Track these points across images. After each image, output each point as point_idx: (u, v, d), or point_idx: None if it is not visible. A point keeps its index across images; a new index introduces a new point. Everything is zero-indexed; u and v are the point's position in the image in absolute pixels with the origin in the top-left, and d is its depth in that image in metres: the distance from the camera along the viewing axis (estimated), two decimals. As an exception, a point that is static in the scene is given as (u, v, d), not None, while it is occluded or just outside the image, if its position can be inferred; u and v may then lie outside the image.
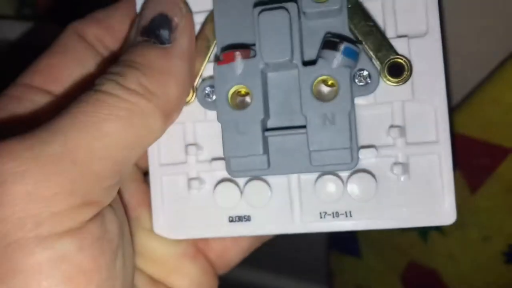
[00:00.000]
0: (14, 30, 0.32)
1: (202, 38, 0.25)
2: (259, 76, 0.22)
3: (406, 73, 0.23)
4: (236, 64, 0.22)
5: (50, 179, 0.19)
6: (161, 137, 0.25)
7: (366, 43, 0.23)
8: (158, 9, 0.24)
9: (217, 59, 0.24)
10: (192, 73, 0.24)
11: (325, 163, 0.22)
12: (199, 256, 0.26)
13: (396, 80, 0.23)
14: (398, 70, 0.23)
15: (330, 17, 0.23)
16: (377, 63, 0.23)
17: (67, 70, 0.24)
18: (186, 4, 0.24)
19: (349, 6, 0.23)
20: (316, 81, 0.22)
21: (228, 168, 0.24)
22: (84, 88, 0.24)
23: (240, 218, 0.25)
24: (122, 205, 0.25)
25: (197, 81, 0.25)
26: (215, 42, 0.24)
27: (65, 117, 0.20)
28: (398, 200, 0.23)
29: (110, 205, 0.22)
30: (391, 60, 0.23)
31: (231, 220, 0.25)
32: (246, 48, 0.22)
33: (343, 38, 0.22)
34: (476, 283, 0.35)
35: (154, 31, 0.23)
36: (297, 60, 0.22)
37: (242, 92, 0.23)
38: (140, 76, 0.21)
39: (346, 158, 0.22)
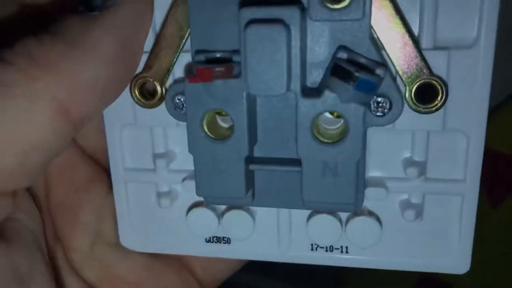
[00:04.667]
0: None
1: (171, 24, 0.18)
2: (243, 102, 0.17)
3: (439, 100, 0.17)
4: (214, 85, 0.17)
5: None
6: (123, 139, 0.20)
7: (392, 55, 0.17)
8: None
9: (189, 72, 0.18)
10: (128, 57, 0.18)
11: (321, 207, 0.18)
12: (183, 270, 0.23)
13: (425, 107, 0.17)
14: (429, 95, 0.17)
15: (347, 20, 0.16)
16: (402, 82, 0.17)
17: None
18: None
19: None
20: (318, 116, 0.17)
21: (204, 197, 0.19)
22: None
23: (218, 239, 0.21)
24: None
25: (166, 78, 0.19)
26: (189, 31, 0.18)
27: None
28: (404, 243, 0.20)
29: (3, 238, 0.17)
30: (421, 82, 0.17)
31: (208, 240, 0.21)
32: (225, 60, 0.17)
33: (358, 63, 0.16)
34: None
35: None
36: (295, 88, 0.16)
37: (223, 113, 0.18)
38: (34, 45, 0.16)
39: (349, 206, 0.18)
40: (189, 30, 0.18)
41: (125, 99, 0.19)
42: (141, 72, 0.19)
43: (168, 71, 0.19)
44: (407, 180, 0.19)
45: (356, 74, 0.15)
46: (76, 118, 0.16)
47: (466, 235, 0.19)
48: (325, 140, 0.17)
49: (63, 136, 0.16)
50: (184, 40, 0.18)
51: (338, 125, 0.18)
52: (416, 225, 0.19)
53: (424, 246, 0.19)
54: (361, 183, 0.18)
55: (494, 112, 0.25)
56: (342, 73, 0.16)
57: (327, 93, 0.16)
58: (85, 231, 0.21)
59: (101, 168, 0.22)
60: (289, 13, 0.15)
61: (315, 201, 0.17)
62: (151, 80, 0.19)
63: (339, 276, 0.47)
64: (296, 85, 0.16)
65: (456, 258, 0.19)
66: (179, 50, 0.19)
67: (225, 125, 0.18)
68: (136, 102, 0.19)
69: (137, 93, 0.19)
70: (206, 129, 0.17)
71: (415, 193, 0.19)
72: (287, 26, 0.15)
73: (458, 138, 0.18)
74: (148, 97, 0.19)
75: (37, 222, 0.19)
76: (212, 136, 0.17)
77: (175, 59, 0.19)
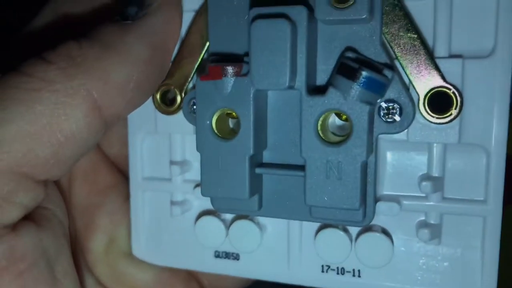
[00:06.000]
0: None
1: (195, 33, 0.19)
2: (250, 100, 0.17)
3: (453, 109, 0.17)
4: (223, 82, 0.17)
5: None
6: (144, 148, 0.21)
7: (403, 62, 0.17)
8: None
9: (202, 71, 0.18)
10: (158, 62, 0.19)
11: (328, 218, 0.18)
12: (192, 281, 0.22)
13: (439, 116, 0.17)
14: (444, 104, 0.17)
15: (358, 23, 0.17)
16: (415, 91, 0.17)
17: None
18: None
19: (387, 7, 0.17)
20: (322, 116, 0.16)
21: (211, 202, 0.19)
22: None
23: (227, 255, 0.21)
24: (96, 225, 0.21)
25: (187, 86, 0.20)
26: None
27: None
28: (421, 269, 0.18)
29: (34, 222, 0.18)
30: (435, 90, 0.17)
31: (217, 255, 0.21)
32: (237, 61, 0.17)
33: (365, 62, 0.16)
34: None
35: (122, 8, 0.19)
36: (300, 85, 0.16)
37: (234, 114, 0.18)
38: (73, 47, 0.17)
39: (356, 216, 0.17)
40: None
41: (148, 107, 0.20)
42: (163, 79, 0.20)
43: (189, 78, 0.20)
44: (423, 199, 0.18)
45: (361, 71, 0.15)
46: (107, 115, 0.17)
47: (490, 264, 0.17)
48: (330, 141, 0.16)
49: (95, 131, 0.17)
50: (205, 49, 0.19)
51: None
52: (434, 248, 0.18)
53: (443, 274, 0.18)
54: (370, 192, 0.17)
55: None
56: (347, 71, 0.16)
57: (331, 90, 0.16)
58: (99, 234, 0.21)
59: (122, 176, 0.22)
60: (296, 11, 0.16)
61: (318, 206, 0.17)
62: (173, 87, 0.20)
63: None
64: (301, 83, 0.16)
65: (478, 290, 0.18)
66: (199, 59, 0.19)
67: (235, 128, 0.19)
68: (157, 108, 0.20)
69: (158, 99, 0.20)
70: (214, 128, 0.18)
71: (431, 213, 0.18)
72: (292, 23, 0.16)
73: (477, 154, 0.17)
74: (168, 104, 0.20)
75: (64, 214, 0.20)
76: (220, 135, 0.18)
77: (195, 68, 0.20)
